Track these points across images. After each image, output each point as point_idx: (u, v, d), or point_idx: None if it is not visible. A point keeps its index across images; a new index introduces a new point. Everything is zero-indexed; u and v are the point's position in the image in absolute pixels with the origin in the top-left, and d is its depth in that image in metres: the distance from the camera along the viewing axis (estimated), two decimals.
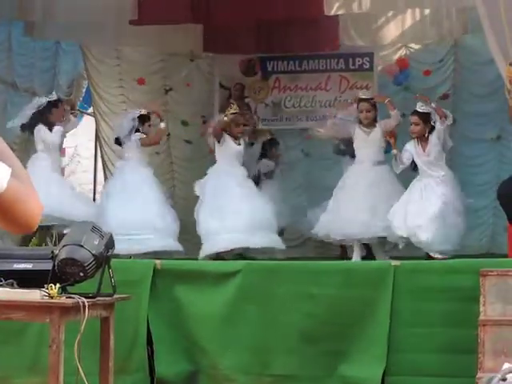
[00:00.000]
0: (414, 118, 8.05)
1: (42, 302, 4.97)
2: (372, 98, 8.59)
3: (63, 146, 11.57)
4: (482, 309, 5.67)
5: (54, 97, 8.91)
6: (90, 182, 12.95)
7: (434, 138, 7.86)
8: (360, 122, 8.44)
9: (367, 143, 8.38)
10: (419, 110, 8.01)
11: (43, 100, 8.78)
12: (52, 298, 4.97)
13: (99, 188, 12.12)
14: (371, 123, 8.44)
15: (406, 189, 8.13)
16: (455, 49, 10.51)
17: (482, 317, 5.63)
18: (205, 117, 11.02)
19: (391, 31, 10.42)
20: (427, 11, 10.07)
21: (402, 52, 10.67)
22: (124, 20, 9.63)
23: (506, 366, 2.40)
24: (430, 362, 6.19)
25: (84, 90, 11.41)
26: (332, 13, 9.39)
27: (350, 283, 6.47)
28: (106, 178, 11.12)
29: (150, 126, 8.83)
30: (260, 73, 10.90)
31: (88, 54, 10.69)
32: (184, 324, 6.72)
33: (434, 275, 6.36)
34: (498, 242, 9.90)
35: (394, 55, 10.69)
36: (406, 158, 7.99)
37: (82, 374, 4.87)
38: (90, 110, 11.57)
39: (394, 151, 8.10)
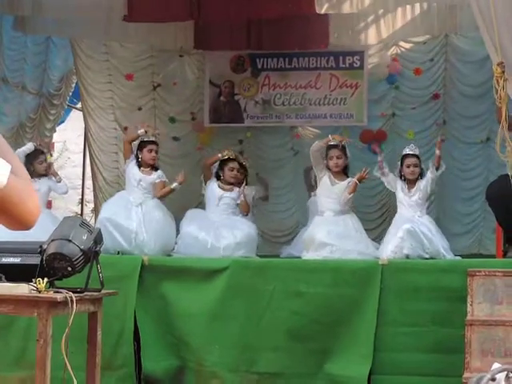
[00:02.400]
0: (414, 160, 7.74)
1: (29, 296, 4.96)
2: (344, 146, 7.97)
3: (52, 141, 11.55)
4: (469, 309, 5.68)
5: (31, 147, 8.54)
6: (79, 176, 12.92)
7: (423, 184, 7.68)
8: (329, 169, 7.93)
9: (331, 194, 7.84)
10: (414, 152, 7.80)
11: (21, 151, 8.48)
12: (40, 292, 4.96)
13: (88, 183, 12.09)
14: (340, 173, 7.91)
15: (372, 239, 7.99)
16: (446, 48, 10.52)
17: (469, 317, 5.65)
18: (194, 113, 11.01)
19: (382, 30, 10.42)
20: (418, 10, 10.08)
21: (393, 51, 10.68)
22: (114, 15, 9.60)
23: (496, 365, 2.41)
24: (417, 362, 6.21)
25: (74, 85, 11.38)
26: (323, 11, 9.39)
27: (338, 282, 6.47)
28: (93, 173, 11.09)
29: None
30: (250, 70, 10.87)
31: (77, 48, 10.65)
32: (171, 320, 6.71)
33: (421, 275, 6.37)
34: (486, 243, 9.95)
35: (385, 54, 10.69)
36: (390, 177, 7.88)
37: (70, 369, 4.85)
38: (79, 104, 11.53)
39: (380, 157, 8.01)
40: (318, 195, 8.04)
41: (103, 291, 5.36)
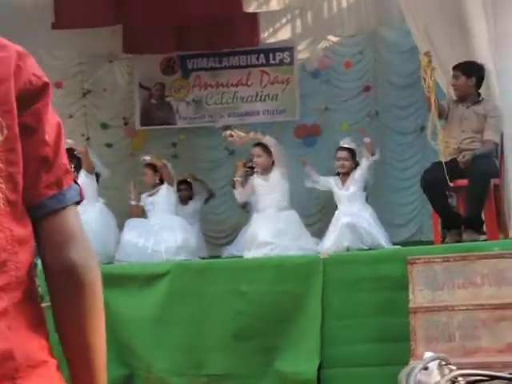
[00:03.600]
0: (344, 154, 7.78)
1: None
2: (263, 144, 7.95)
3: None
4: (411, 296, 5.72)
5: None
6: None
7: (356, 174, 7.71)
8: (252, 170, 8.04)
9: (268, 189, 7.88)
10: (347, 145, 7.85)
11: None
12: None
13: None
14: (265, 169, 7.93)
15: (311, 234, 8.02)
16: (375, 40, 10.59)
17: (411, 304, 5.68)
18: (126, 118, 10.91)
19: (310, 25, 10.46)
20: (345, 3, 10.12)
21: (323, 45, 10.72)
22: (40, 23, 9.49)
23: (428, 354, 2.41)
24: (364, 352, 6.22)
25: None
26: (251, 10, 9.41)
27: (280, 278, 6.46)
28: None
29: None
30: (180, 71, 10.83)
31: None
32: (115, 328, 6.62)
33: (362, 266, 6.39)
34: (426, 231, 10.03)
35: (314, 49, 10.72)
36: (322, 181, 7.90)
37: None
38: None
39: (307, 168, 8.01)
40: (256, 194, 8.03)
41: (42, 304, 5.25)
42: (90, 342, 1.54)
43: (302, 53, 10.74)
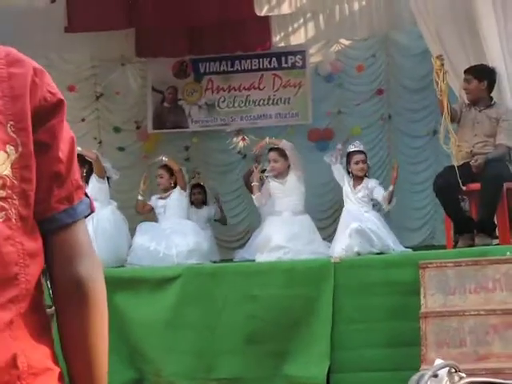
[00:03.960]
0: (362, 157, 7.78)
1: None
2: (279, 148, 7.98)
3: None
4: (422, 301, 5.69)
5: None
6: None
7: (370, 183, 7.72)
8: (266, 175, 8.03)
9: (284, 193, 7.90)
10: (360, 148, 7.82)
11: None
12: None
13: None
14: (281, 173, 7.94)
15: (323, 237, 8.06)
16: (387, 43, 10.57)
17: (423, 309, 5.65)
18: (138, 122, 10.91)
19: (322, 28, 10.45)
20: (356, 7, 10.10)
21: (335, 49, 10.70)
22: (53, 27, 9.51)
23: (438, 361, 2.39)
24: (375, 357, 6.20)
25: None
26: (263, 13, 9.40)
27: (291, 282, 6.45)
28: None
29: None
30: (192, 75, 10.83)
31: None
32: (126, 331, 6.64)
33: (374, 270, 6.37)
34: (439, 235, 9.99)
35: (326, 52, 10.71)
36: (339, 166, 7.83)
37: None
38: None
39: (339, 146, 8.04)
40: (273, 197, 8.02)
41: (48, 310, 5.26)
42: (92, 348, 1.58)
43: (314, 56, 10.72)
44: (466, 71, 7.23)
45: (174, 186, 8.62)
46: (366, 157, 7.86)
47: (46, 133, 1.49)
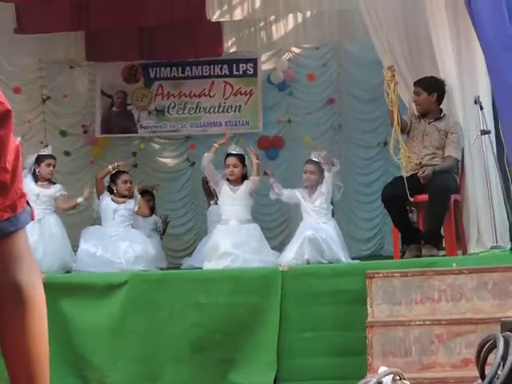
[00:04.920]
0: (310, 167, 7.70)
1: None
2: (241, 154, 7.96)
3: None
4: (369, 310, 5.71)
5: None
6: None
7: (323, 188, 7.66)
8: (227, 179, 7.91)
9: (233, 201, 7.83)
10: (315, 159, 7.77)
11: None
12: None
13: None
14: (238, 180, 7.89)
15: (272, 247, 8.01)
16: (339, 52, 10.62)
17: (369, 318, 5.67)
18: (86, 126, 10.81)
19: (274, 36, 10.46)
20: (308, 15, 10.13)
21: (286, 57, 10.73)
22: (2, 28, 9.42)
23: (383, 368, 2.38)
24: (321, 366, 6.20)
25: None
26: (214, 19, 9.38)
27: (238, 290, 6.42)
28: None
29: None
30: (142, 79, 10.78)
31: None
32: (70, 338, 6.56)
33: (321, 279, 6.37)
34: (385, 245, 10.06)
35: (278, 60, 10.72)
36: (287, 193, 7.78)
37: None
38: None
39: (271, 180, 7.90)
40: (220, 205, 7.98)
41: None
42: (30, 351, 1.62)
43: (265, 64, 10.75)
44: (415, 83, 7.27)
45: (131, 197, 8.45)
46: (320, 167, 7.76)
47: None
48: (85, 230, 8.24)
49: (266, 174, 8.16)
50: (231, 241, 7.55)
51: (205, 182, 9.33)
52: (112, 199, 8.29)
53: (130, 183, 8.46)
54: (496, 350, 2.07)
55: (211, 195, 9.24)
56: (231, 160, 7.91)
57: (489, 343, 2.13)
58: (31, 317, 1.59)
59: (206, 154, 8.03)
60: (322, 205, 7.62)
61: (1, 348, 1.59)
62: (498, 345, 2.04)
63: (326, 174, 7.68)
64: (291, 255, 7.24)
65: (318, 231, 7.39)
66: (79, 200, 8.17)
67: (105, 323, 6.55)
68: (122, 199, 8.31)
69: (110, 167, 8.42)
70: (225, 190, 7.91)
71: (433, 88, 7.20)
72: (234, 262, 7.40)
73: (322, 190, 7.64)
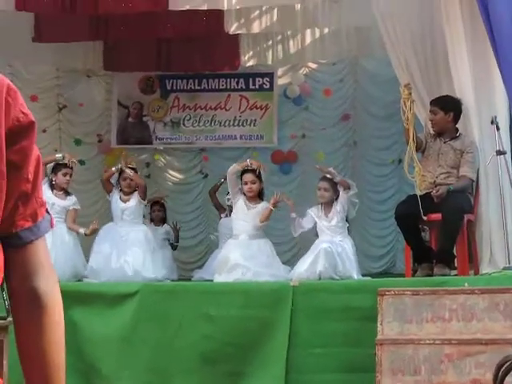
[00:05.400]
0: (324, 184, 7.63)
1: None
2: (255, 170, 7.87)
3: None
4: (379, 328, 5.70)
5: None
6: None
7: (338, 205, 7.63)
8: (244, 194, 7.85)
9: (247, 216, 7.76)
10: (329, 176, 7.72)
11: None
12: None
13: None
14: (255, 196, 7.85)
15: (284, 261, 7.99)
16: (355, 68, 10.61)
17: (379, 336, 5.66)
18: (100, 135, 10.83)
19: (291, 51, 10.47)
20: (326, 30, 10.14)
21: (303, 72, 10.73)
22: (21, 36, 9.46)
23: None
24: (329, 382, 6.19)
25: None
26: (232, 31, 9.41)
27: (249, 304, 6.42)
28: None
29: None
30: (159, 91, 10.80)
31: None
32: (81, 347, 6.56)
33: (332, 295, 6.37)
34: (397, 263, 10.03)
35: (295, 75, 10.73)
36: (306, 223, 7.72)
37: None
38: None
39: (293, 215, 7.75)
40: (233, 218, 7.98)
41: (9, 319, 5.19)
42: (48, 358, 1.61)
43: (282, 78, 10.75)
44: (432, 102, 7.26)
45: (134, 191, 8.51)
46: (334, 184, 7.68)
47: (18, 154, 1.49)
48: (101, 230, 8.27)
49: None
50: (242, 253, 7.55)
51: (212, 195, 9.35)
52: (120, 198, 8.38)
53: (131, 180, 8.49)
54: None
55: (221, 208, 9.24)
56: (248, 177, 7.85)
57: (507, 364, 2.13)
58: (49, 324, 1.60)
59: (234, 165, 8.00)
60: (338, 223, 7.55)
61: (19, 355, 1.61)
62: None
63: (341, 193, 7.62)
64: (304, 267, 7.20)
65: (334, 244, 7.34)
66: (81, 231, 8.15)
67: (115, 333, 6.56)
68: (127, 197, 8.37)
69: (114, 169, 8.48)
70: (240, 205, 7.89)
71: (449, 107, 7.19)
72: (244, 274, 7.39)
73: (337, 208, 7.58)
